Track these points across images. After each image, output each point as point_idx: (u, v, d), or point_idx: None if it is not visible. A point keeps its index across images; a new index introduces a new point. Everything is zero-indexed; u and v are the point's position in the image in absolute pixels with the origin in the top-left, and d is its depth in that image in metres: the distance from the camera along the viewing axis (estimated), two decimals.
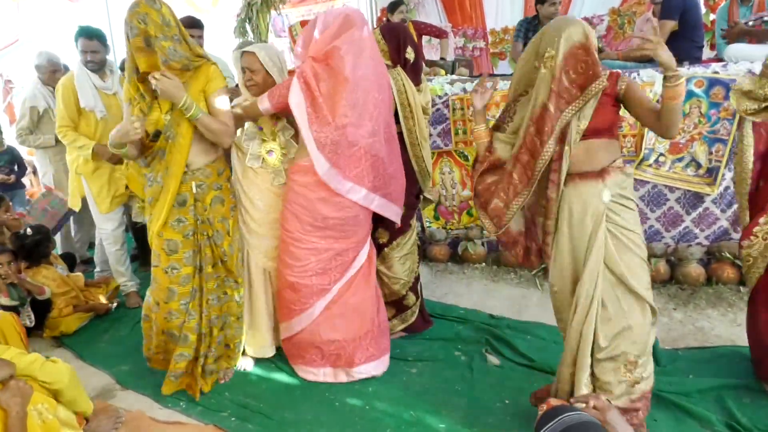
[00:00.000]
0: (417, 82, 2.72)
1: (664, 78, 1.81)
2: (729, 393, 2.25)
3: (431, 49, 6.05)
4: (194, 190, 2.33)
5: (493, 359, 2.66)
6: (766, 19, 3.49)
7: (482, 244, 3.82)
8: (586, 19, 5.91)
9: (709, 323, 2.88)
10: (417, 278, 2.94)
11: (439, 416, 2.25)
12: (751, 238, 2.16)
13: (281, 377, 2.62)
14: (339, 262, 2.47)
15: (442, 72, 4.19)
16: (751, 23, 3.57)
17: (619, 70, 2.06)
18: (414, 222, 2.93)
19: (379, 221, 2.66)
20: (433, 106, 3.64)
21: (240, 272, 2.53)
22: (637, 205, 3.31)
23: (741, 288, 3.13)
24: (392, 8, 5.09)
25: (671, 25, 3.59)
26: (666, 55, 1.78)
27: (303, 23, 2.78)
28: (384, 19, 5.55)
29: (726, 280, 3.17)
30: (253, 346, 2.71)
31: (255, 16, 4.58)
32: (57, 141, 3.78)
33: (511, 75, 4.23)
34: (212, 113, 2.27)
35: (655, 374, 2.42)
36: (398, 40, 2.65)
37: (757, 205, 2.23)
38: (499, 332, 2.87)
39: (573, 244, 1.95)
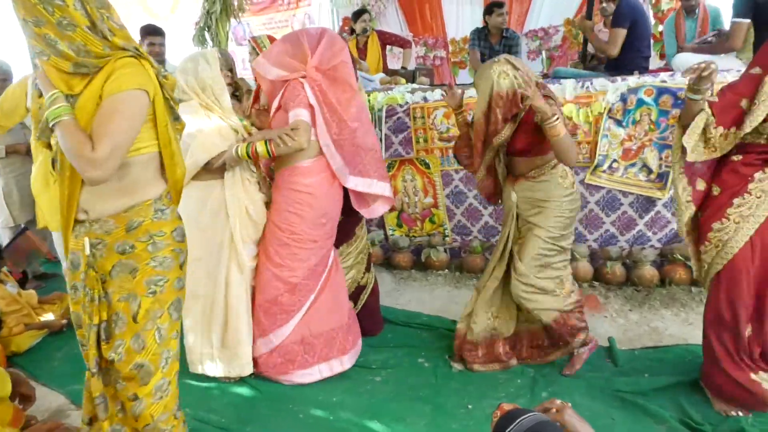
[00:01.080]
0: None
1: (541, 121, 2.12)
2: (682, 390, 2.33)
3: (393, 59, 6.09)
4: (87, 251, 1.59)
5: (457, 365, 2.68)
6: (709, 39, 3.66)
7: (445, 251, 3.86)
8: (542, 29, 6.09)
9: (663, 323, 2.98)
10: (359, 288, 2.94)
11: (404, 423, 2.26)
12: (706, 243, 2.13)
13: (243, 391, 2.58)
14: (326, 257, 2.61)
15: (403, 81, 4.22)
16: (697, 45, 3.73)
17: (549, 95, 2.24)
18: (361, 231, 2.94)
19: None
20: (394, 114, 3.67)
21: (147, 380, 1.67)
22: (592, 210, 3.43)
23: (692, 288, 3.26)
24: (355, 17, 5.12)
25: (623, 33, 3.72)
26: (540, 103, 2.08)
27: (270, 38, 2.92)
28: (347, 28, 5.57)
29: (678, 281, 3.29)
30: (232, 366, 2.59)
31: (214, 24, 4.52)
32: (7, 152, 3.66)
33: (472, 84, 4.30)
34: (94, 126, 1.47)
35: (613, 375, 2.51)
36: None
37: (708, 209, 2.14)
38: None
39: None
